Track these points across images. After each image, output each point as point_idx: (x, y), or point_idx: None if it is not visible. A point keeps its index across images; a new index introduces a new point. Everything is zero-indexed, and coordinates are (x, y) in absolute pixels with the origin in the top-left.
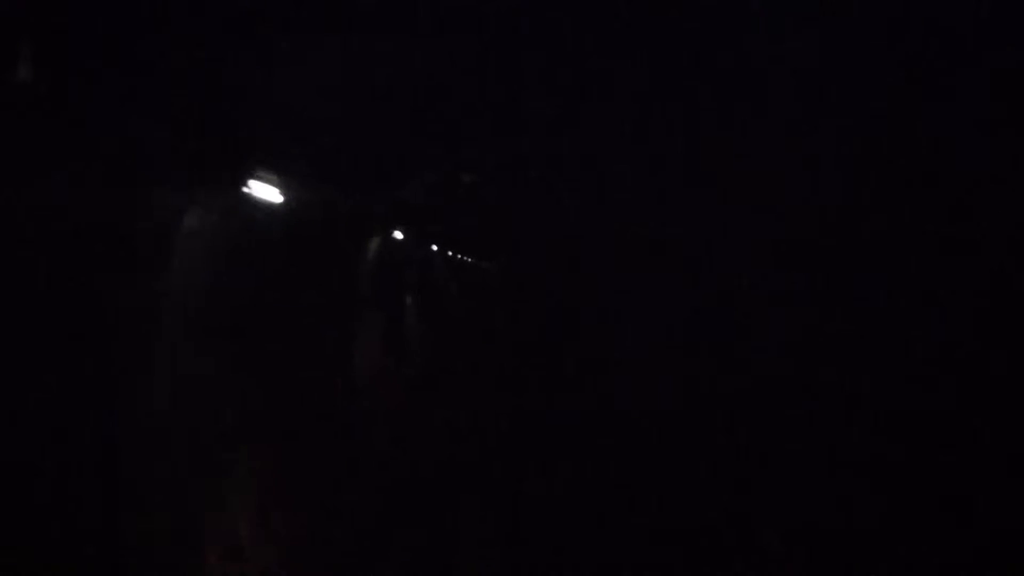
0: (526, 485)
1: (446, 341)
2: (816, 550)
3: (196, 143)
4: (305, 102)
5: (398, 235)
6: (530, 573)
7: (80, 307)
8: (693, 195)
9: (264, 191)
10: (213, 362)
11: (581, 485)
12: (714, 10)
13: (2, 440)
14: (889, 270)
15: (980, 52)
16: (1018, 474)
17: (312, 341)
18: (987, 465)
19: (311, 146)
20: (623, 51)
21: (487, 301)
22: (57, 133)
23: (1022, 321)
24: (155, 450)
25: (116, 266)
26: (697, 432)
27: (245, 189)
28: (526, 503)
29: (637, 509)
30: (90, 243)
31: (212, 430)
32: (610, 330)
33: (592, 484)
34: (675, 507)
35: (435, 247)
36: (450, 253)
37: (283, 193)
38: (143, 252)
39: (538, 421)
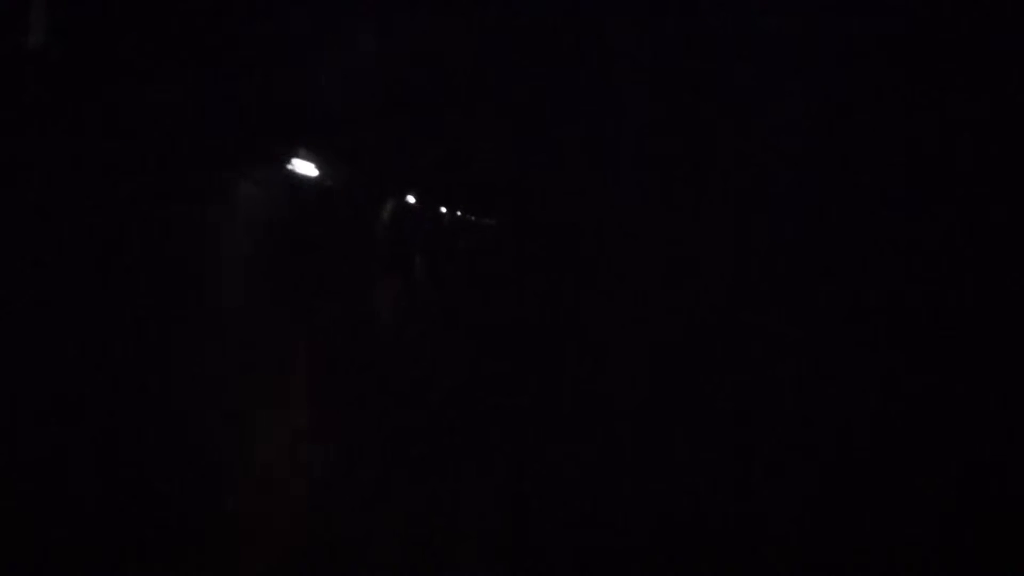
0: (528, 453)
1: (455, 306)
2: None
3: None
4: (312, 70)
5: (410, 199)
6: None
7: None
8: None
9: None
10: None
11: (583, 458)
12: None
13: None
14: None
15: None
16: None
17: (329, 307)
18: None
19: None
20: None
21: (493, 261)
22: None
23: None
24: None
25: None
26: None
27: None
28: (527, 472)
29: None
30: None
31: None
32: (614, 295)
33: (593, 457)
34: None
35: (443, 208)
36: (457, 213)
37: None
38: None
39: (544, 389)
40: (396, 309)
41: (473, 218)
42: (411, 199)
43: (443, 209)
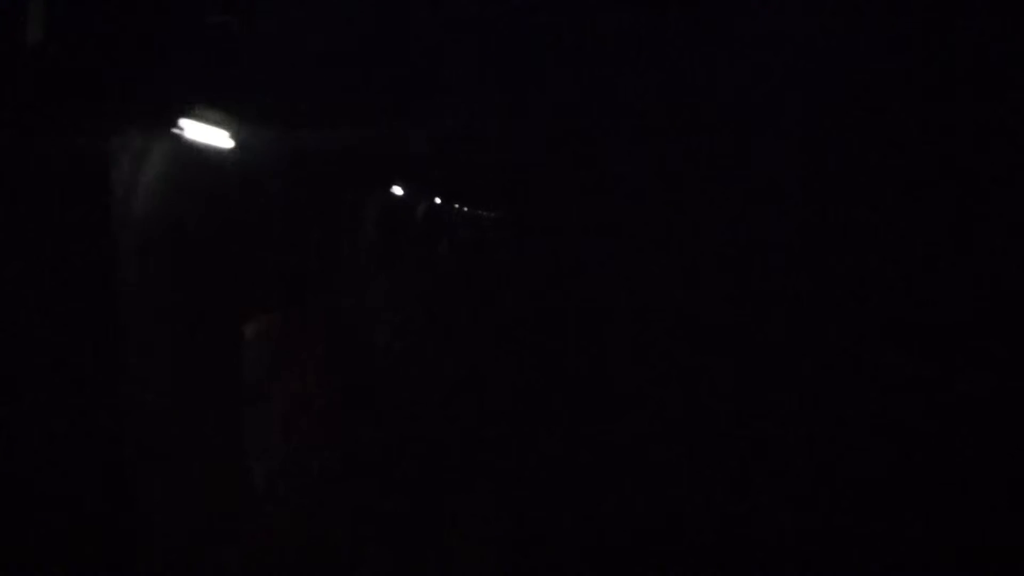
0: (523, 452)
1: (454, 298)
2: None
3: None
4: (295, 35)
5: (398, 189)
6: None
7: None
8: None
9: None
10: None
11: (577, 458)
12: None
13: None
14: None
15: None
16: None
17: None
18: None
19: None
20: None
21: (494, 257)
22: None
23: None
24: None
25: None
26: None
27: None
28: (527, 472)
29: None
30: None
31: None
32: (615, 292)
33: (588, 458)
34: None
35: (438, 199)
36: (455, 205)
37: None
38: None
39: (543, 391)
40: (392, 306)
41: (471, 211)
42: (407, 192)
43: (442, 202)
